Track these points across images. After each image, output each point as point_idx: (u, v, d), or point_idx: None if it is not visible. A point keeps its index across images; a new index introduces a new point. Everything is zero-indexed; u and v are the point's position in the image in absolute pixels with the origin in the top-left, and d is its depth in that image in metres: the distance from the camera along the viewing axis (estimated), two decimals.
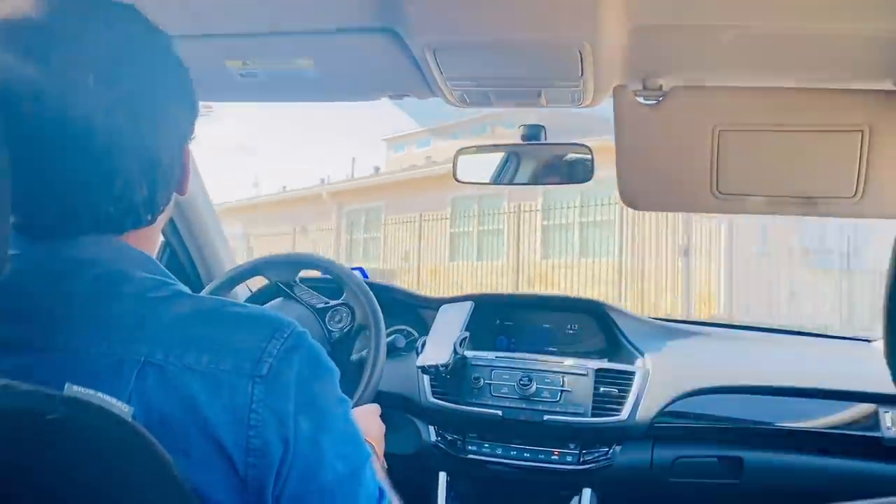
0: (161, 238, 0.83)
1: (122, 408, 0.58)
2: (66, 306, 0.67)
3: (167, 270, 0.75)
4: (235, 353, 0.68)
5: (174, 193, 0.79)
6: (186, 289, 0.73)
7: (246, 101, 1.42)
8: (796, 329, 2.23)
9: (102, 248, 0.71)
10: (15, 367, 0.64)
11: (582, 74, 1.22)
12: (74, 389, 0.58)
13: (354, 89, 1.37)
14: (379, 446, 1.22)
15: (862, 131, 1.21)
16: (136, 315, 0.68)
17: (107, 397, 0.58)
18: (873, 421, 1.65)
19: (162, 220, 0.79)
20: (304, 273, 1.66)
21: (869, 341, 1.94)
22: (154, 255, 0.78)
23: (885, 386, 1.65)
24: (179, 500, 0.60)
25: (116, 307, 0.68)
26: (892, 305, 0.33)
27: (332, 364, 0.74)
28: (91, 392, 0.58)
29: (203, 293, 1.58)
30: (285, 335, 0.70)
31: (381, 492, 0.78)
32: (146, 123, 0.71)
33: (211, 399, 0.65)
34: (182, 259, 1.80)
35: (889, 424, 1.62)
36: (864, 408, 1.67)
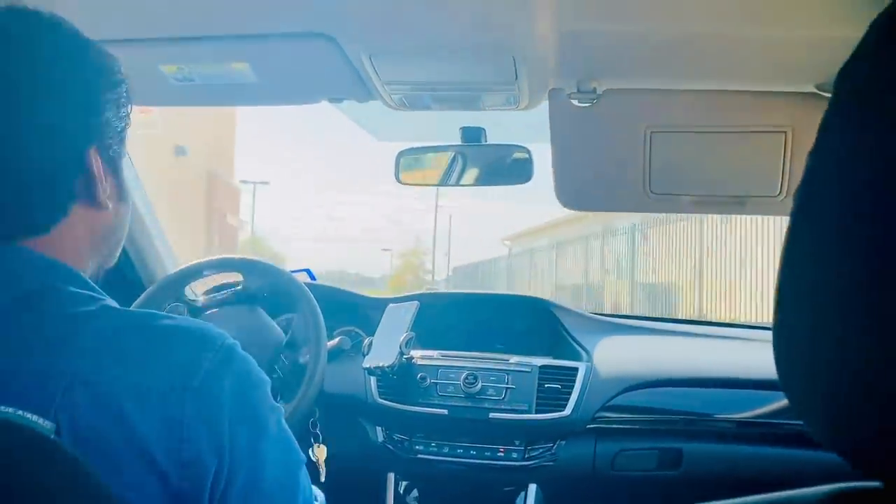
0: (85, 255, 0.80)
1: (43, 424, 0.58)
2: None
3: (94, 285, 0.74)
4: (166, 366, 0.68)
5: (86, 205, 0.75)
6: (114, 303, 0.73)
7: (182, 105, 1.41)
8: (732, 322, 2.29)
9: (23, 259, 0.70)
10: None
11: (517, 78, 1.25)
12: None
13: (292, 93, 1.37)
14: None
15: (786, 132, 1.26)
16: (61, 330, 0.67)
17: (27, 414, 0.57)
18: None
19: (81, 233, 0.76)
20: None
21: None
22: (84, 266, 0.77)
23: None
24: None
25: (40, 323, 0.67)
26: (781, 298, 0.35)
27: (263, 374, 0.75)
28: (9, 410, 0.57)
29: (141, 298, 1.56)
30: (216, 347, 0.71)
31: (315, 496, 0.79)
32: (26, 127, 0.70)
33: (141, 413, 0.65)
34: (122, 265, 1.76)
35: None
36: None
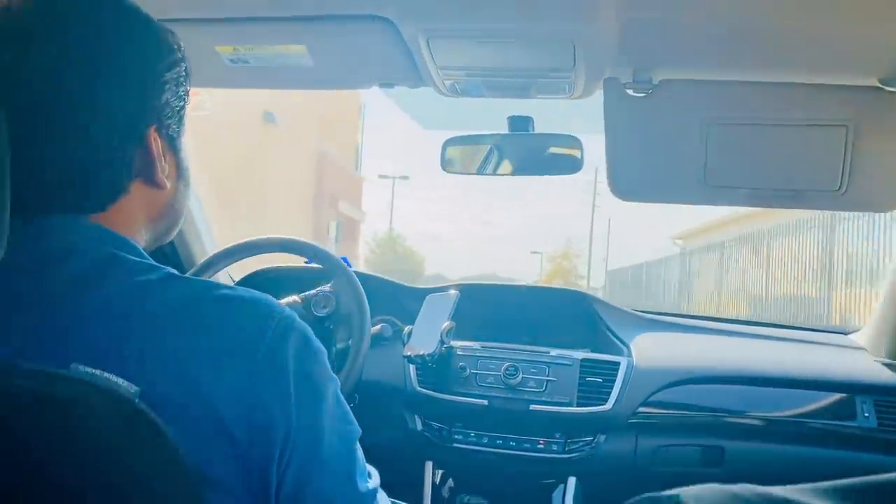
0: (142, 231, 0.81)
1: (128, 388, 0.58)
2: (61, 291, 0.67)
3: (149, 256, 0.75)
4: (233, 333, 0.69)
5: (145, 183, 0.76)
6: (175, 271, 0.73)
7: (235, 87, 1.41)
8: (776, 322, 2.27)
9: (86, 231, 0.71)
10: (14, 353, 0.63)
11: (574, 66, 1.23)
12: (80, 369, 0.57)
13: (346, 77, 1.37)
14: None
15: (847, 126, 1.23)
16: (130, 299, 0.68)
17: (113, 377, 0.58)
18: (850, 410, 1.68)
19: (139, 210, 0.77)
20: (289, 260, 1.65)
21: (846, 333, 1.98)
22: (140, 241, 0.78)
23: (860, 375, 1.69)
24: (182, 480, 0.60)
25: (110, 291, 0.68)
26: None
27: (321, 344, 0.75)
28: (97, 372, 0.57)
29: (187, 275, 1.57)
30: (278, 316, 0.71)
31: (368, 472, 0.80)
32: (89, 107, 0.71)
33: (212, 379, 0.66)
34: (165, 247, 1.77)
35: (865, 413, 1.65)
36: (841, 397, 1.71)
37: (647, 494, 0.48)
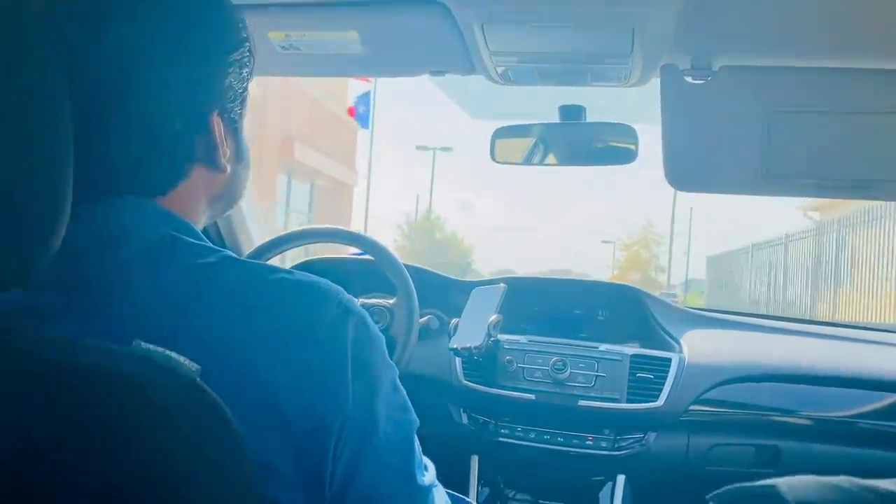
0: (201, 213, 0.80)
1: (190, 366, 0.57)
2: (119, 272, 0.67)
3: (206, 239, 0.74)
4: (291, 317, 0.67)
5: (205, 167, 0.75)
6: (233, 254, 0.72)
7: (286, 74, 1.41)
8: (834, 321, 2.20)
9: (146, 213, 0.71)
10: (76, 332, 0.63)
11: (632, 52, 1.20)
12: (142, 346, 0.57)
13: (397, 64, 1.36)
14: None
15: None
16: (188, 280, 0.67)
17: (175, 355, 0.57)
18: None
19: (199, 193, 0.76)
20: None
21: None
22: (198, 222, 0.77)
23: None
24: (241, 462, 0.59)
25: (169, 273, 0.67)
26: None
27: (379, 331, 0.73)
28: (160, 350, 0.57)
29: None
30: (336, 301, 0.70)
31: (425, 465, 0.77)
32: (156, 90, 0.69)
33: (271, 364, 0.64)
34: (210, 232, 1.78)
35: None
36: None
37: (736, 485, 0.45)
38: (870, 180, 1.22)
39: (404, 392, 0.75)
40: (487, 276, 2.08)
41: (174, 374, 0.57)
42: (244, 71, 0.77)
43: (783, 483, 0.44)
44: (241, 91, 0.78)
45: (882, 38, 1.15)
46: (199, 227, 0.77)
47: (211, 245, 0.72)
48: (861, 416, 1.65)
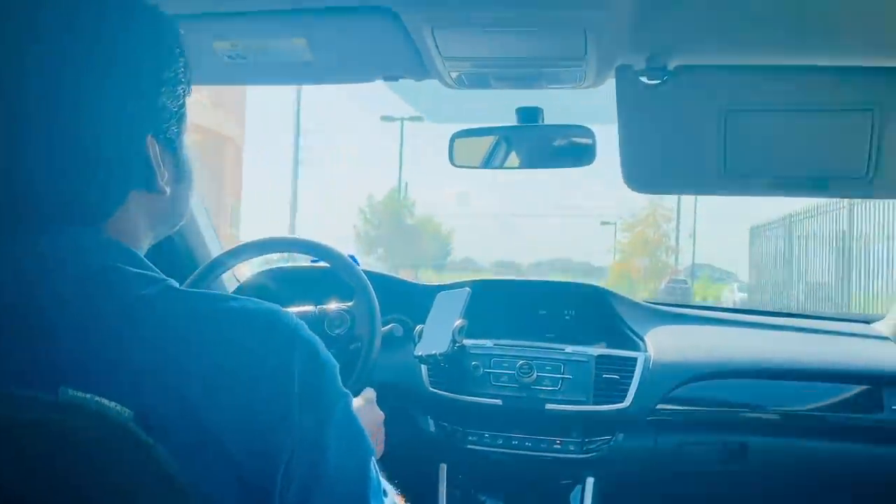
0: (143, 237, 0.76)
1: (120, 411, 0.54)
2: (52, 307, 0.63)
3: (151, 265, 0.70)
4: (234, 351, 0.64)
5: (144, 190, 0.71)
6: (175, 283, 0.69)
7: (234, 84, 1.36)
8: (795, 312, 2.22)
9: (81, 242, 0.67)
10: (3, 374, 0.59)
11: (586, 54, 1.18)
12: (70, 393, 0.53)
13: (348, 71, 1.32)
14: (378, 435, 1.18)
15: (872, 110, 1.18)
16: (126, 314, 0.64)
17: (104, 401, 0.54)
18: (877, 402, 1.63)
19: (139, 217, 0.72)
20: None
21: (868, 322, 1.93)
22: (140, 247, 0.73)
23: (887, 366, 1.64)
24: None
25: (106, 307, 0.64)
26: None
27: (331, 357, 0.71)
28: (88, 396, 0.53)
29: (189, 280, 1.53)
30: (283, 329, 0.67)
31: (384, 490, 0.75)
32: (87, 114, 0.65)
33: (211, 402, 0.62)
34: (164, 245, 1.73)
35: (894, 406, 1.60)
36: (867, 389, 1.66)
37: None
38: (826, 178, 1.22)
39: (358, 419, 0.72)
40: (487, 268, 2.05)
41: (104, 420, 0.54)
42: (179, 88, 0.73)
43: None
44: (176, 109, 0.73)
45: (836, 35, 1.15)
46: (142, 251, 0.73)
47: (154, 274, 0.69)
48: (826, 408, 1.66)
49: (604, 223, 27.95)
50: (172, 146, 0.75)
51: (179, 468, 0.57)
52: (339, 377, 0.70)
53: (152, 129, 0.70)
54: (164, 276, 0.69)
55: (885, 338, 1.78)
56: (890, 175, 1.18)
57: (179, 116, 0.75)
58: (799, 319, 2.04)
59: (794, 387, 1.70)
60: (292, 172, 22.22)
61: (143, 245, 0.75)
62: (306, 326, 0.70)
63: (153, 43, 0.71)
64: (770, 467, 1.61)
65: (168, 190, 0.73)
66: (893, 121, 1.17)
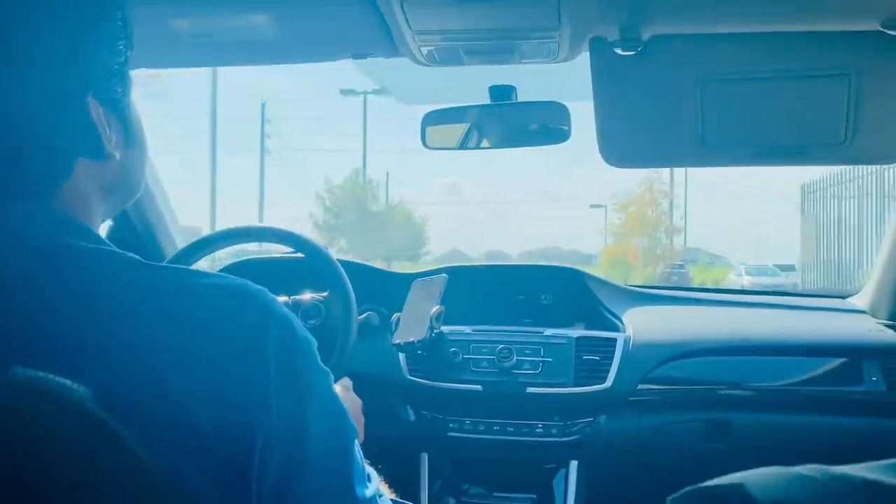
0: (96, 210, 0.71)
1: (76, 389, 0.50)
2: (2, 284, 0.59)
3: (106, 240, 0.66)
4: (205, 325, 0.61)
5: (90, 158, 0.67)
6: (137, 256, 0.65)
7: (196, 66, 1.32)
8: (772, 289, 2.22)
9: (30, 217, 0.63)
10: None
11: (559, 25, 1.16)
12: (22, 373, 0.49)
13: (316, 49, 1.28)
14: (358, 422, 1.14)
15: (849, 75, 1.17)
16: (85, 290, 0.60)
17: (59, 380, 0.50)
18: (856, 375, 1.63)
19: (89, 187, 0.68)
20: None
21: (844, 297, 1.94)
22: (94, 220, 0.69)
23: (865, 339, 1.64)
24: (148, 490, 0.52)
25: (60, 283, 0.60)
26: None
27: (308, 333, 0.67)
28: (41, 375, 0.49)
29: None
30: (257, 304, 0.64)
31: (368, 474, 0.72)
32: (17, 83, 0.61)
33: (182, 379, 0.58)
34: (129, 238, 1.68)
35: (873, 377, 1.60)
36: (847, 362, 1.66)
37: (698, 485, 0.41)
38: (804, 146, 1.21)
39: (339, 399, 0.69)
40: (475, 258, 2.03)
41: (60, 400, 0.50)
42: (119, 43, 0.68)
43: (749, 478, 0.40)
44: (118, 67, 0.69)
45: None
46: (96, 225, 0.69)
47: (112, 248, 0.65)
48: (807, 382, 1.66)
49: (593, 206, 26.67)
50: (118, 107, 0.70)
51: (146, 450, 0.53)
52: (317, 355, 0.67)
53: (93, 90, 0.66)
54: (124, 252, 0.65)
55: (861, 311, 1.79)
56: (867, 140, 1.17)
57: (122, 75, 0.70)
58: (776, 297, 2.04)
59: (774, 362, 1.70)
60: (259, 161, 21.41)
61: (97, 219, 0.70)
62: (280, 303, 0.66)
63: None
64: (752, 443, 1.61)
65: (117, 155, 0.69)
66: (869, 85, 1.16)
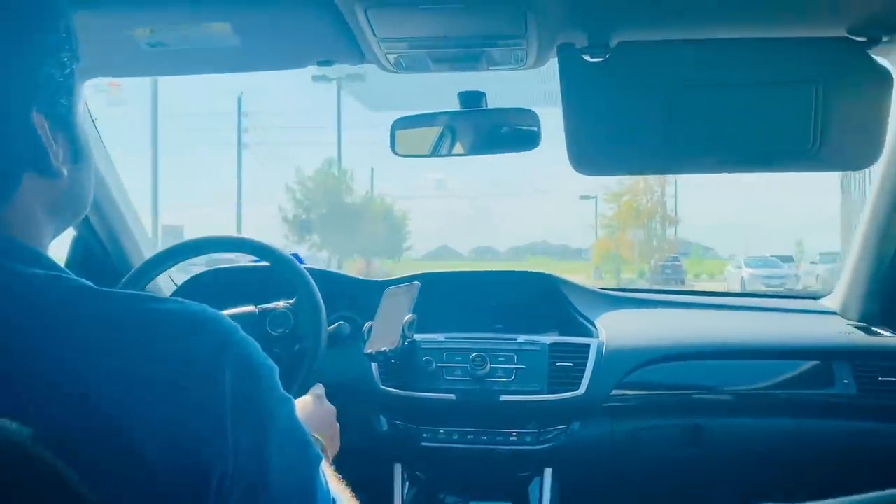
0: (43, 230, 0.68)
1: (18, 431, 0.48)
2: None
3: (54, 262, 0.63)
4: (157, 357, 0.58)
5: (37, 174, 0.64)
6: (88, 282, 0.62)
7: (157, 74, 1.29)
8: (745, 291, 2.23)
9: None
10: None
11: (526, 32, 1.14)
12: None
13: (278, 57, 1.26)
14: (329, 432, 1.11)
15: (816, 82, 1.17)
16: (28, 320, 0.57)
17: None
18: (828, 377, 1.64)
19: (35, 205, 0.65)
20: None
21: (816, 298, 1.94)
22: (42, 242, 0.66)
23: (835, 341, 1.65)
24: None
25: (7, 312, 0.57)
26: None
27: (269, 360, 0.64)
28: None
29: (120, 285, 1.44)
30: (212, 331, 0.61)
31: (334, 500, 0.69)
32: None
33: (132, 414, 0.55)
34: (95, 249, 1.64)
35: (844, 380, 1.61)
36: (818, 365, 1.66)
37: None
38: (773, 152, 1.21)
39: (302, 425, 0.66)
40: (465, 255, 2.00)
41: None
42: (63, 56, 0.65)
43: None
44: (63, 80, 0.65)
45: (777, 7, 1.13)
46: (44, 247, 0.66)
47: (62, 273, 0.62)
48: (779, 386, 1.67)
49: (583, 197, 24.94)
50: (64, 122, 0.66)
51: (94, 492, 0.51)
52: (278, 381, 0.64)
53: (38, 104, 0.63)
54: (73, 275, 0.62)
55: (833, 312, 1.80)
56: (835, 146, 1.17)
57: (69, 88, 0.67)
58: (749, 298, 2.05)
59: (747, 366, 1.70)
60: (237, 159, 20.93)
61: (45, 239, 0.67)
62: (240, 328, 0.63)
63: (24, 7, 0.63)
64: (726, 448, 1.61)
65: (65, 171, 0.66)
66: (837, 92, 1.16)
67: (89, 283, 0.62)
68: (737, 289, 15.89)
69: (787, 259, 20.47)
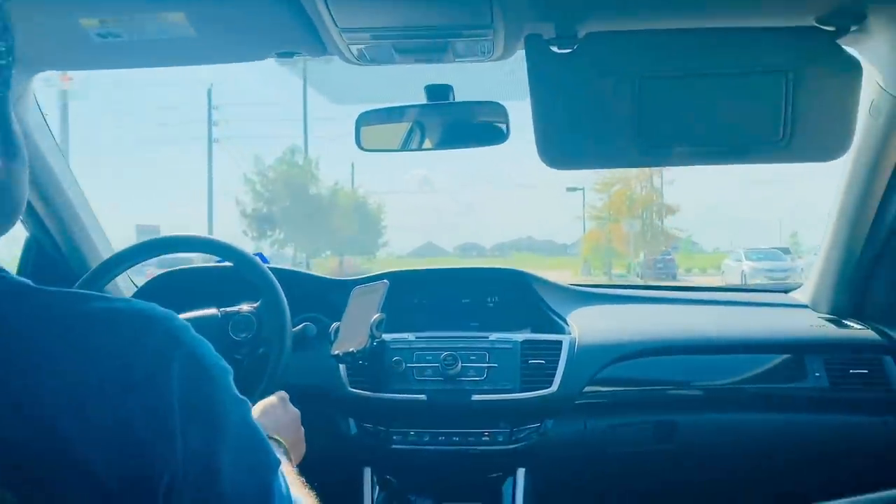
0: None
1: None
2: None
3: None
4: (101, 359, 0.55)
5: None
6: (27, 281, 0.58)
7: (110, 67, 1.23)
8: (716, 286, 2.23)
9: None
10: None
11: (492, 22, 1.11)
12: None
13: (237, 49, 1.21)
14: (293, 436, 1.07)
15: (786, 72, 1.15)
16: None
17: None
18: (800, 371, 1.63)
19: None
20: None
21: (786, 291, 1.94)
22: None
23: (806, 334, 1.64)
24: None
25: None
26: None
27: (222, 361, 0.61)
28: None
29: (77, 286, 1.39)
30: (161, 330, 0.58)
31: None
32: None
33: (75, 420, 0.52)
34: (49, 250, 1.58)
35: (816, 373, 1.60)
36: (790, 359, 1.66)
37: None
38: (743, 144, 1.19)
39: (258, 428, 0.63)
40: (451, 252, 1.95)
41: None
42: None
43: None
44: None
45: None
46: None
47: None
48: (751, 380, 1.65)
49: (570, 189, 23.72)
50: None
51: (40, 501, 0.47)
52: (231, 383, 0.61)
53: None
54: (11, 274, 0.58)
55: (804, 305, 1.79)
56: (806, 137, 1.15)
57: (3, 77, 0.62)
58: (720, 293, 2.04)
59: (720, 360, 1.69)
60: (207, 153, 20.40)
61: None
62: (191, 328, 0.60)
63: None
64: (700, 444, 1.59)
65: None
66: (806, 82, 1.15)
67: (28, 282, 0.58)
68: (737, 283, 15.24)
69: (785, 251, 19.87)
